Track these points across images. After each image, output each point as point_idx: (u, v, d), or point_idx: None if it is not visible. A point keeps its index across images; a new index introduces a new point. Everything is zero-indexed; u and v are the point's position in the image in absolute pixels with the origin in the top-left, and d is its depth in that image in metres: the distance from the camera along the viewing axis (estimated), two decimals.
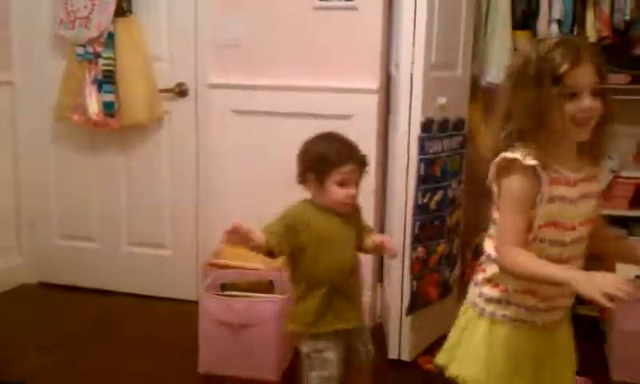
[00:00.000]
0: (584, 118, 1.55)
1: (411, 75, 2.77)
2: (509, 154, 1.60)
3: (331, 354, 2.10)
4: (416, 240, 2.85)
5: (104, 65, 3.37)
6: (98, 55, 3.37)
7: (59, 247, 3.74)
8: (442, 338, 3.07)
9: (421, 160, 2.81)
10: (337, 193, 2.05)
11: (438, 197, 2.93)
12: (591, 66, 1.55)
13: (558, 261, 1.62)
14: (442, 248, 2.99)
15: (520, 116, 1.59)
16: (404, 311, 2.87)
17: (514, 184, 1.60)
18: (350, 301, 2.14)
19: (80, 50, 3.39)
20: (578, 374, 2.48)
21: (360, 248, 2.21)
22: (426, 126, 2.82)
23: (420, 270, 2.89)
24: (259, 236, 1.96)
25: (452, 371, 1.79)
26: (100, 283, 3.66)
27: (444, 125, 2.93)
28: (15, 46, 3.60)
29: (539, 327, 1.72)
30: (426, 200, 2.87)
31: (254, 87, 3.23)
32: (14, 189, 3.71)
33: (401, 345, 2.89)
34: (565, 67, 1.54)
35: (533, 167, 1.57)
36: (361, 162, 2.10)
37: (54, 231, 3.75)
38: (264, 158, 3.23)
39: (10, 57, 3.60)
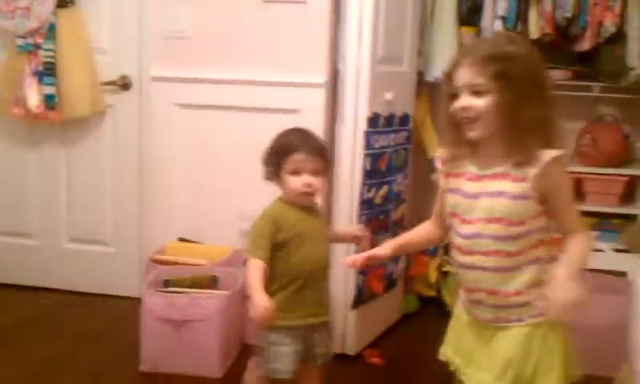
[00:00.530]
0: (462, 117, 1.61)
1: (357, 70, 2.78)
2: None
3: (285, 348, 2.09)
4: None
5: (45, 56, 3.28)
6: (38, 46, 3.28)
7: None
8: (387, 332, 3.14)
9: (366, 155, 2.82)
10: (293, 182, 2.08)
11: (383, 191, 2.94)
12: (473, 67, 1.58)
13: (463, 251, 1.70)
14: None
15: None
16: (349, 305, 2.87)
17: None
18: (321, 295, 2.17)
19: (20, 42, 3.29)
20: None
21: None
22: (372, 120, 2.82)
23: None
24: (259, 269, 2.01)
25: None
26: (39, 280, 3.56)
27: (390, 120, 2.94)
28: None
29: (479, 320, 1.74)
30: (371, 194, 2.88)
31: (199, 80, 3.19)
32: None
33: (346, 339, 2.90)
34: (449, 69, 1.64)
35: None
36: (311, 150, 2.10)
37: None
38: (208, 152, 3.19)
39: None
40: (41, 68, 3.28)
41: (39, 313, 3.31)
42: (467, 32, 3.49)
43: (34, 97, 3.29)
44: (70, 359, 2.82)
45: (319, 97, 3.09)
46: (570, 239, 1.62)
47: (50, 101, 3.29)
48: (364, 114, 2.80)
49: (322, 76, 3.09)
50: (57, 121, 3.33)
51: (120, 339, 2.97)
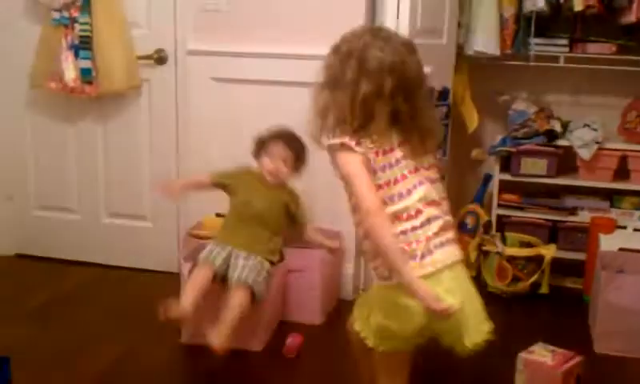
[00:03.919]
0: None
1: None
2: None
3: (215, 248, 2.65)
4: None
5: (80, 30, 3.26)
6: (74, 20, 3.27)
7: (36, 218, 3.67)
8: None
9: None
10: (263, 162, 2.77)
11: None
12: None
13: None
14: None
15: None
16: None
17: None
18: (253, 237, 2.70)
19: (56, 15, 3.28)
20: (561, 346, 2.49)
21: (300, 232, 2.88)
22: None
23: None
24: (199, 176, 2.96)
25: None
26: (78, 255, 3.59)
27: (429, 94, 2.88)
28: None
29: None
30: None
31: (235, 54, 3.15)
32: None
33: None
34: None
35: None
36: (287, 144, 2.73)
37: (30, 202, 3.67)
38: (245, 126, 3.15)
39: None
40: (77, 42, 3.27)
41: (78, 287, 3.34)
42: (508, 4, 3.40)
43: (70, 71, 3.28)
44: (108, 332, 2.85)
45: None
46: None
47: (86, 75, 3.29)
48: None
49: None
50: (93, 95, 3.32)
51: (159, 313, 2.97)
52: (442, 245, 1.79)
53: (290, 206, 2.80)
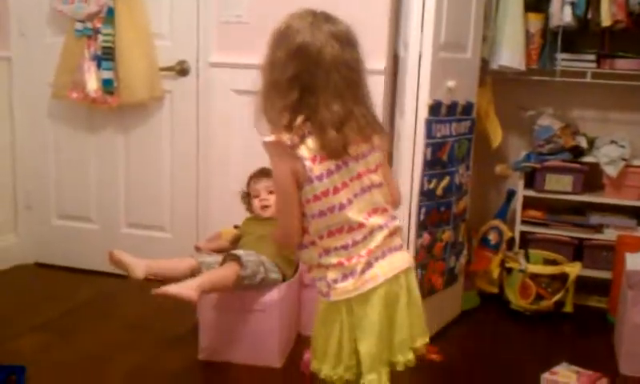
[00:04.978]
0: None
1: (419, 56, 2.68)
2: None
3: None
4: (421, 227, 2.77)
5: (103, 41, 3.28)
6: (97, 31, 3.29)
7: (56, 227, 3.69)
8: (446, 328, 3.05)
9: (427, 144, 2.73)
10: (254, 204, 2.94)
11: (444, 183, 2.85)
12: None
13: None
14: (447, 235, 2.91)
15: None
16: None
17: None
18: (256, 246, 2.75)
19: (79, 26, 3.31)
20: (586, 367, 2.43)
21: None
22: (434, 108, 2.73)
23: (424, 257, 2.82)
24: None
25: None
26: (97, 264, 3.57)
27: (452, 108, 2.84)
28: (13, 21, 3.53)
29: None
30: (432, 186, 2.79)
31: (256, 66, 3.13)
32: (11, 167, 3.65)
33: None
34: None
35: None
36: (267, 175, 2.80)
37: (51, 211, 3.69)
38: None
39: (7, 33, 3.52)
40: (99, 52, 3.29)
41: (96, 297, 3.33)
42: (534, 18, 3.35)
43: (92, 81, 3.30)
44: (124, 344, 2.83)
45: (379, 83, 3.01)
46: None
47: (108, 85, 3.30)
48: (425, 101, 2.70)
49: (381, 62, 3.01)
50: (115, 106, 3.34)
51: (177, 326, 2.96)
52: (383, 255, 1.67)
53: None
